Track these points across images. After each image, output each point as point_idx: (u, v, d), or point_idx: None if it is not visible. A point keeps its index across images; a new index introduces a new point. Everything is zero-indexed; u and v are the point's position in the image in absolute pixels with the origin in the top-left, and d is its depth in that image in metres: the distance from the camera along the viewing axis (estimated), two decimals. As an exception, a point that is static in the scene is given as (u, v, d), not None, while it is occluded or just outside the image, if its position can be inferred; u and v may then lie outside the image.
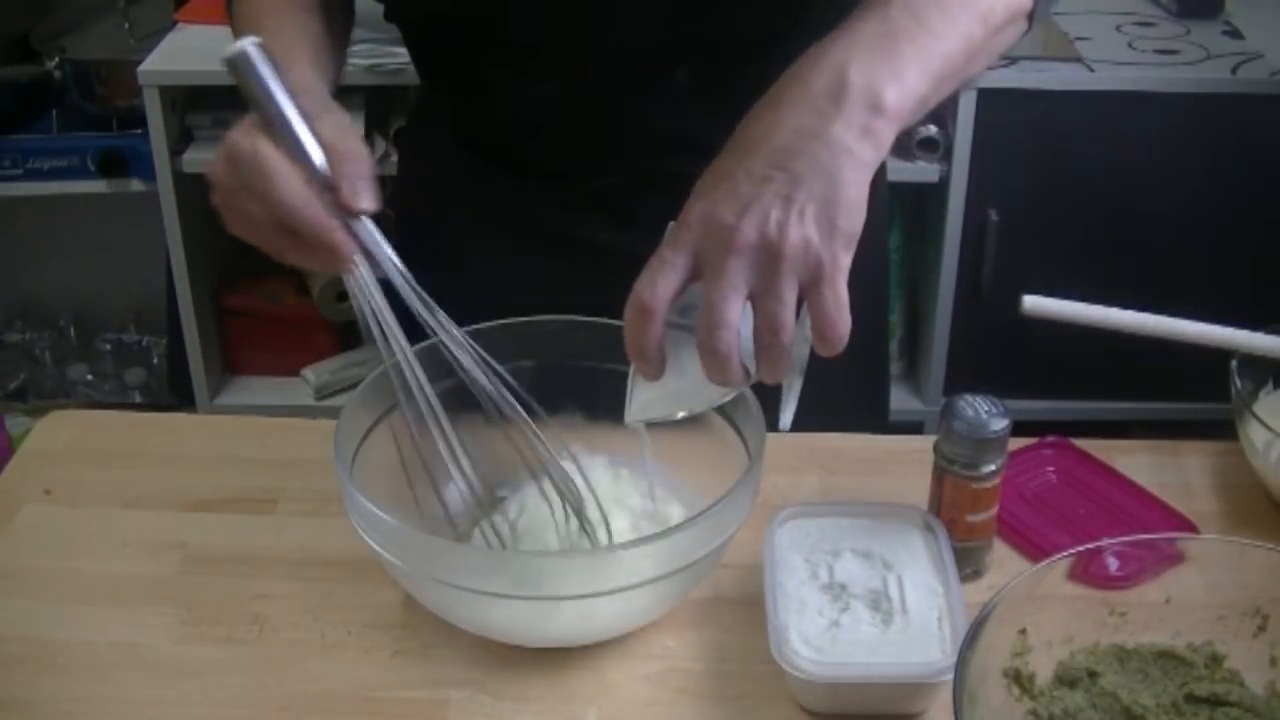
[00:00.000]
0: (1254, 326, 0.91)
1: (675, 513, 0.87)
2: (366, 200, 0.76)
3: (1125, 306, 0.86)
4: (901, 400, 2.11)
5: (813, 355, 0.74)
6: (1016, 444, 0.97)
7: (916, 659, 0.76)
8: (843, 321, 0.69)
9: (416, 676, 0.81)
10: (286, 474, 0.96)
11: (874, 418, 1.19)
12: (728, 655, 0.82)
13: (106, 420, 1.07)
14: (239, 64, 0.74)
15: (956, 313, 2.02)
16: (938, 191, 1.97)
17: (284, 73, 0.75)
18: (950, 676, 0.68)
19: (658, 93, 0.96)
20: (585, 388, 0.90)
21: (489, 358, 0.81)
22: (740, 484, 0.78)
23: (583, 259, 1.02)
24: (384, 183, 2.05)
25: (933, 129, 1.91)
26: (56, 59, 2.06)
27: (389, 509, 0.76)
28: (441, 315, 0.79)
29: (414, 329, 0.80)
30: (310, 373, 2.16)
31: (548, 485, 0.83)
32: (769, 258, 0.68)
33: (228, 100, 1.98)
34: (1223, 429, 0.97)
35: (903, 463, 0.95)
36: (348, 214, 0.76)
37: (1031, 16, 0.83)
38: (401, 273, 0.77)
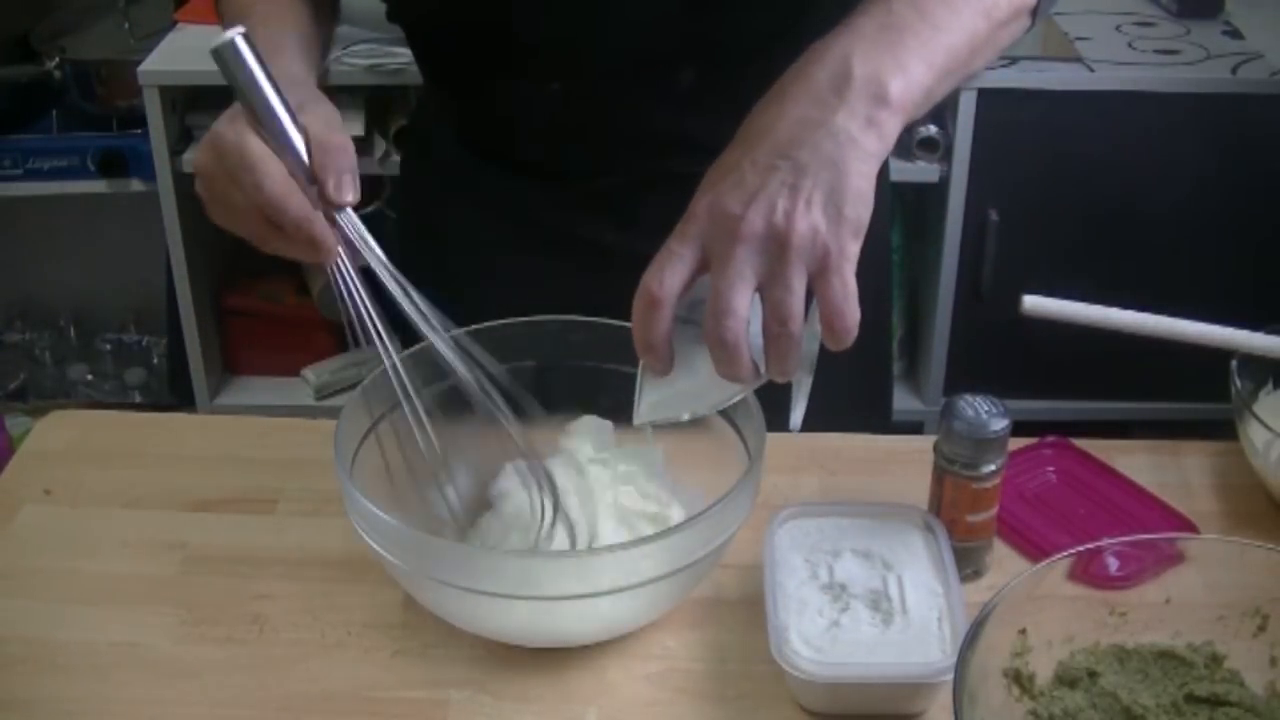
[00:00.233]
0: (1254, 326, 0.91)
1: (675, 513, 0.87)
2: (349, 193, 0.76)
3: (1125, 306, 0.86)
4: (901, 400, 2.11)
5: (820, 353, 0.74)
6: (1016, 444, 0.97)
7: (916, 659, 0.76)
8: (851, 311, 0.69)
9: (416, 676, 0.81)
10: (286, 474, 0.96)
11: (876, 418, 1.19)
12: (728, 655, 0.82)
13: (106, 420, 1.07)
14: (225, 55, 0.75)
15: (956, 313, 2.02)
16: (938, 191, 1.97)
17: (270, 64, 0.76)
18: (950, 676, 0.68)
19: (660, 93, 0.96)
20: (586, 388, 0.90)
21: (475, 352, 0.81)
22: (740, 484, 0.78)
23: (584, 259, 1.02)
24: (384, 183, 2.05)
25: (933, 129, 1.91)
26: (56, 59, 2.06)
27: (389, 509, 0.76)
28: (425, 305, 0.79)
29: (403, 324, 0.80)
30: (310, 373, 2.16)
31: (529, 482, 0.83)
32: (777, 246, 0.68)
33: (228, 100, 1.98)
34: (1223, 429, 0.97)
35: (903, 463, 0.95)
36: (331, 206, 0.76)
37: (1035, 12, 0.83)
38: (383, 263, 0.77)
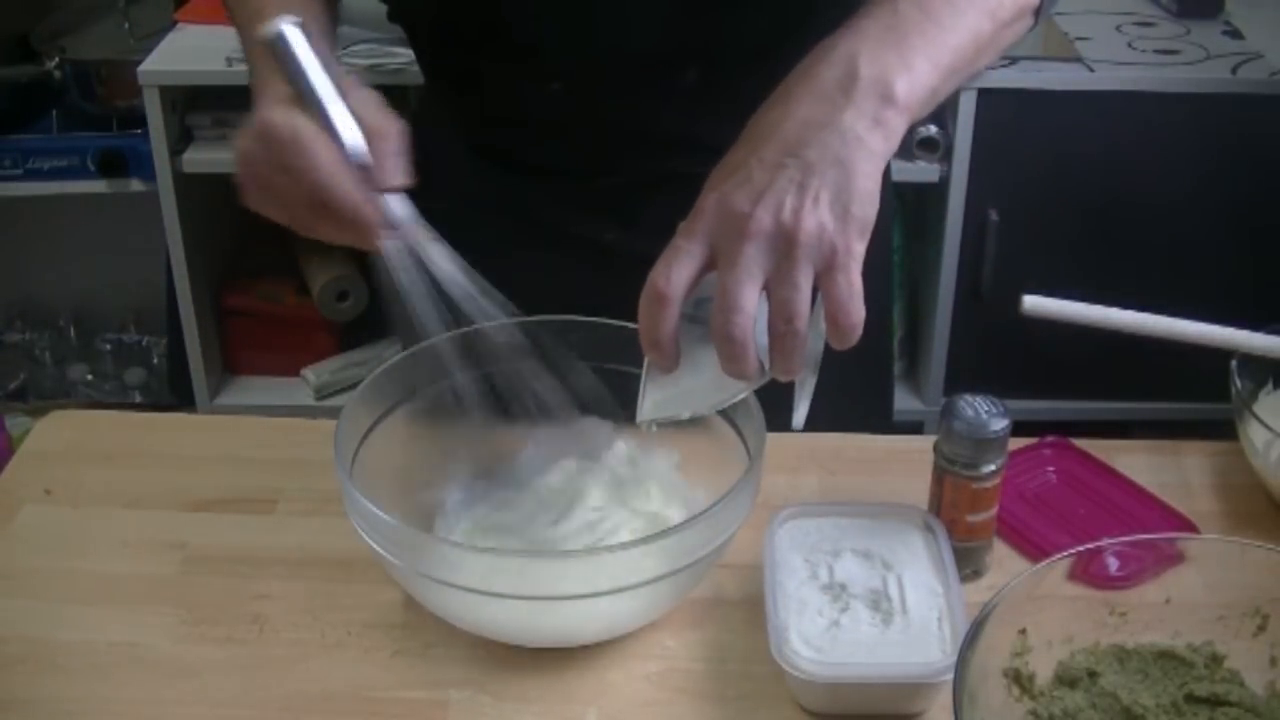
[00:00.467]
0: (1254, 326, 0.91)
1: (675, 513, 0.87)
2: (399, 176, 0.76)
3: (1125, 306, 0.86)
4: (901, 400, 2.10)
5: (825, 352, 0.74)
6: (1016, 444, 0.96)
7: (916, 659, 0.76)
8: (856, 309, 0.69)
9: (416, 676, 0.81)
10: (286, 474, 0.96)
11: (876, 418, 1.19)
12: (728, 655, 0.82)
13: (106, 420, 1.07)
14: (278, 43, 0.75)
15: (956, 313, 2.02)
16: (938, 191, 1.97)
17: (320, 51, 0.76)
18: (950, 676, 0.68)
19: (662, 93, 0.96)
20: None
21: (537, 336, 0.81)
22: (740, 484, 0.78)
23: (585, 259, 1.02)
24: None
25: (933, 129, 1.91)
26: (56, 59, 2.06)
27: (389, 509, 0.76)
28: (483, 286, 0.79)
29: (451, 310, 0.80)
30: (310, 373, 2.16)
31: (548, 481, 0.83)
32: (784, 244, 0.68)
33: (228, 100, 2.00)
34: (1223, 429, 0.97)
35: (903, 463, 0.95)
36: (380, 190, 0.76)
37: (1037, 13, 0.83)
38: (436, 242, 0.77)
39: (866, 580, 0.81)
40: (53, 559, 0.90)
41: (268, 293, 2.18)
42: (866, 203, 0.70)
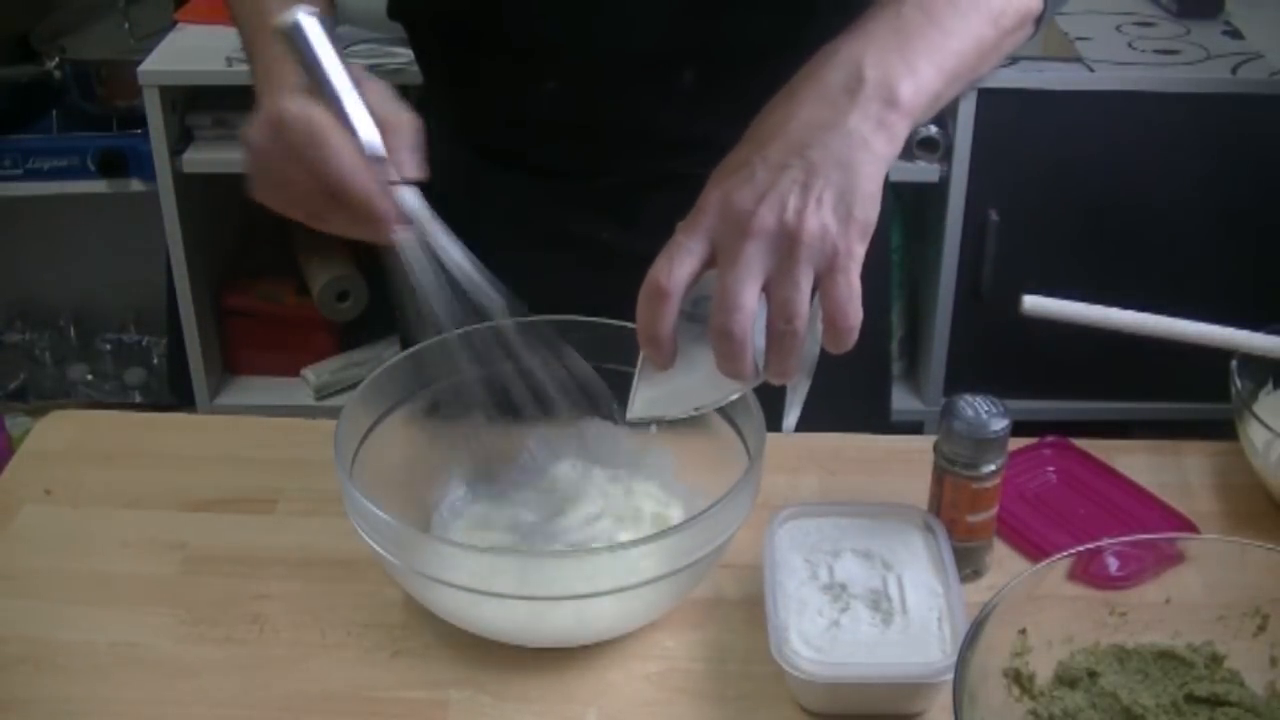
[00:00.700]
0: (1254, 326, 0.91)
1: (675, 513, 0.87)
2: (414, 169, 0.76)
3: (1125, 306, 0.86)
4: (901, 400, 2.11)
5: (820, 354, 0.73)
6: (1016, 444, 0.96)
7: (916, 659, 0.76)
8: (855, 312, 0.69)
9: (416, 676, 0.81)
10: (286, 474, 0.96)
11: (876, 418, 1.19)
12: (728, 655, 0.82)
13: (106, 420, 1.07)
14: (293, 33, 0.74)
15: (956, 313, 2.02)
16: (938, 191, 1.97)
17: (336, 43, 0.75)
18: (950, 676, 0.68)
19: (661, 94, 0.96)
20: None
21: (544, 335, 0.81)
22: (740, 484, 0.78)
23: (584, 258, 1.02)
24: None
25: (933, 129, 1.91)
26: (56, 59, 2.06)
27: (389, 509, 0.76)
28: (492, 279, 0.79)
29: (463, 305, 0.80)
30: (310, 373, 2.16)
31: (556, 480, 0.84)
32: (787, 244, 0.68)
33: (228, 100, 2.00)
34: (1223, 429, 0.97)
35: (903, 463, 0.95)
36: (394, 183, 0.76)
37: (1039, 21, 0.83)
38: (449, 236, 0.77)
39: (866, 580, 0.81)
40: (53, 559, 0.90)
41: (268, 293, 2.18)
42: (869, 205, 0.70)
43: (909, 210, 2.13)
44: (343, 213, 0.76)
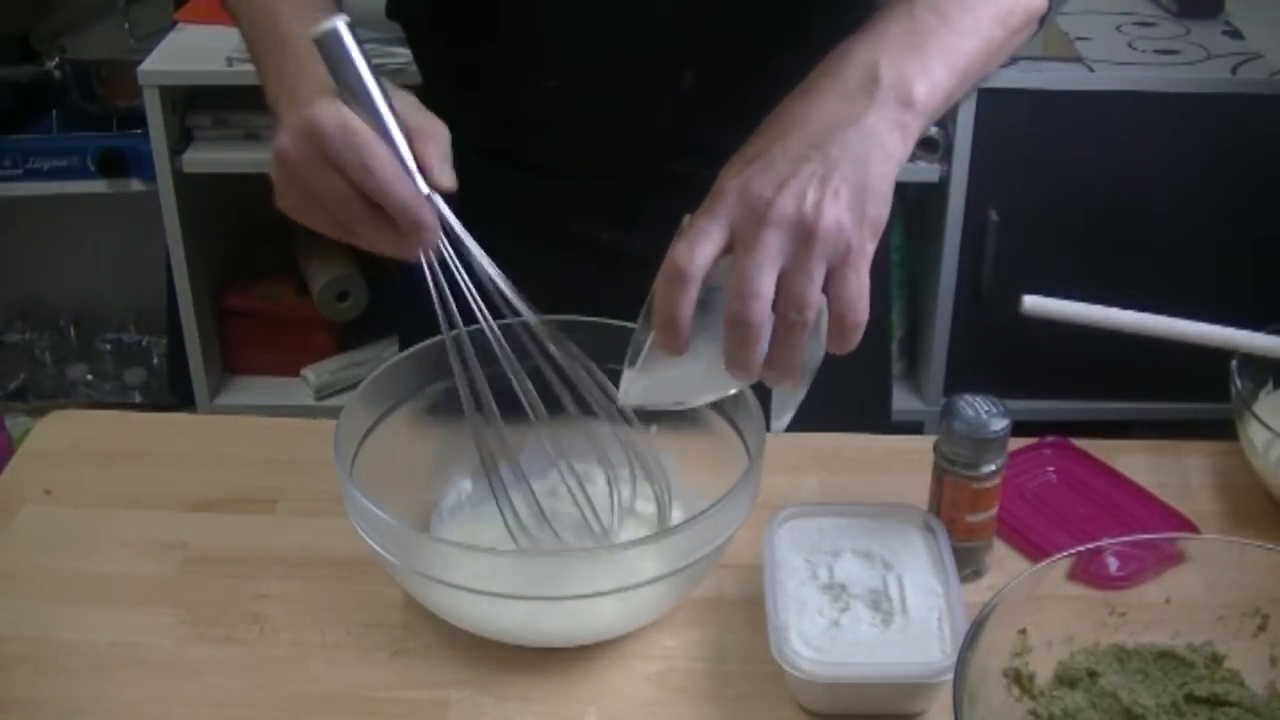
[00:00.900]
0: (1254, 326, 0.91)
1: (675, 513, 0.87)
2: (447, 178, 0.76)
3: (1125, 306, 0.86)
4: (901, 400, 2.11)
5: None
6: (1016, 444, 0.96)
7: (916, 659, 0.76)
8: (863, 309, 0.69)
9: (416, 676, 0.81)
10: (286, 474, 0.96)
11: (876, 418, 1.19)
12: (728, 655, 0.82)
13: (106, 420, 1.07)
14: (330, 40, 0.73)
15: (956, 313, 2.02)
16: (938, 191, 1.97)
17: (367, 52, 0.75)
18: (950, 676, 0.68)
19: (660, 95, 0.96)
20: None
21: (566, 343, 0.81)
22: (740, 484, 0.78)
23: (585, 259, 1.02)
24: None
25: (933, 129, 1.91)
26: (56, 59, 2.06)
27: (389, 509, 0.76)
28: (513, 291, 0.79)
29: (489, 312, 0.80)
30: (310, 373, 2.16)
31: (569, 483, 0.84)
32: (804, 234, 0.69)
33: (228, 100, 2.00)
34: (1223, 429, 0.97)
35: (903, 463, 0.95)
36: (430, 190, 0.75)
37: (1042, 20, 0.84)
38: (476, 245, 0.77)
39: (866, 580, 0.81)
40: (53, 559, 0.90)
41: (268, 293, 2.18)
42: (881, 204, 0.70)
43: (909, 210, 2.13)
44: (375, 223, 0.74)
